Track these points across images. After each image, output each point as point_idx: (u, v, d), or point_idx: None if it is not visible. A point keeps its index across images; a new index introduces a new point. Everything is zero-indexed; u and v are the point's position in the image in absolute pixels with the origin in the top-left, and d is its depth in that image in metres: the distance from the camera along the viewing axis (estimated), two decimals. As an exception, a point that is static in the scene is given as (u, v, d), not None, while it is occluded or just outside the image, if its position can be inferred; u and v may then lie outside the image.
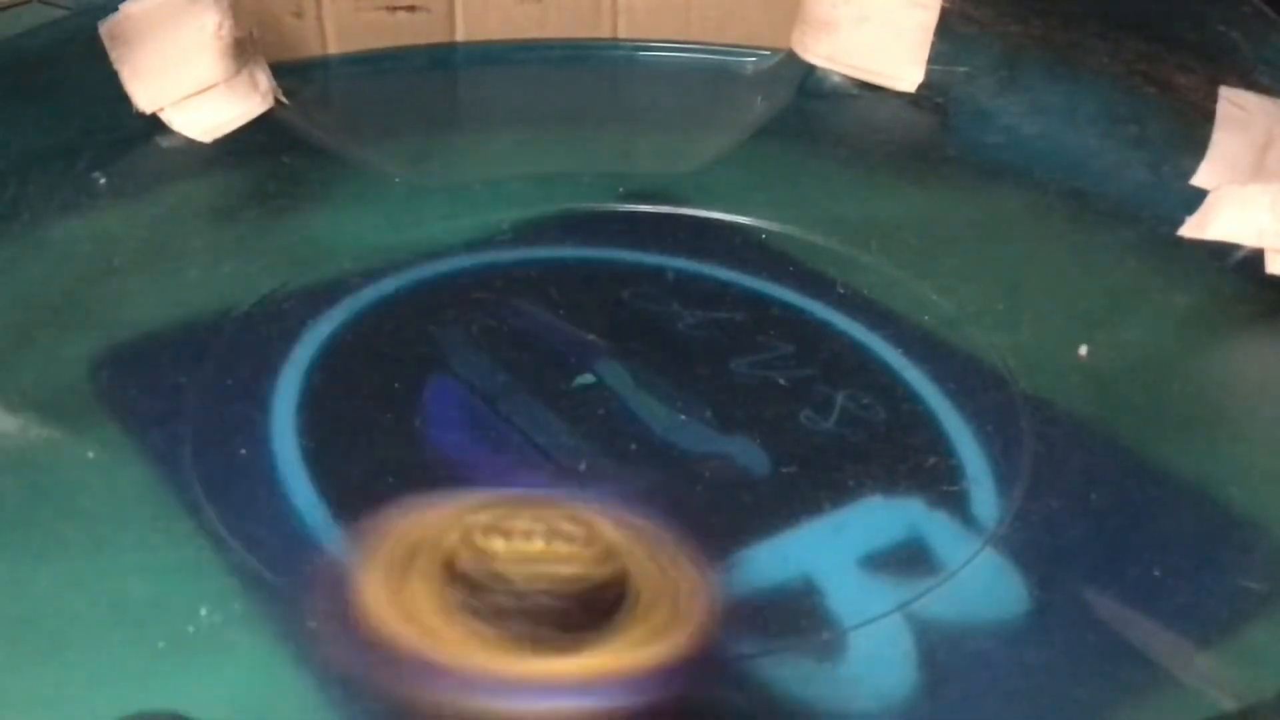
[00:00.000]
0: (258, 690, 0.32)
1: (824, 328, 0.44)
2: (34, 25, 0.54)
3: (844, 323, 0.44)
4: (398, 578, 0.28)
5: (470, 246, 0.47)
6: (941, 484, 0.38)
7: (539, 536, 0.28)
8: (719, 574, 0.30)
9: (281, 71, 0.55)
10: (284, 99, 0.54)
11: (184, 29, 0.52)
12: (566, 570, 0.27)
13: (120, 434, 0.39)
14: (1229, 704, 0.32)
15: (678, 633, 0.28)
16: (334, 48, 0.59)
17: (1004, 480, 0.38)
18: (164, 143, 0.52)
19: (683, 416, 0.40)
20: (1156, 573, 0.36)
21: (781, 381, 0.42)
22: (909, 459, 0.39)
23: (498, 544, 0.28)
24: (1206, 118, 0.49)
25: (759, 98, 0.58)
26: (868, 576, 0.35)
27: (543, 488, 0.31)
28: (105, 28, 0.50)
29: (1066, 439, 0.40)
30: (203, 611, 0.34)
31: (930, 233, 0.49)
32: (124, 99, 0.51)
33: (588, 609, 0.27)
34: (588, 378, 0.41)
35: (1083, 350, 0.40)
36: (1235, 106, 0.49)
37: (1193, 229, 0.46)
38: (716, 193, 0.50)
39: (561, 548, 0.28)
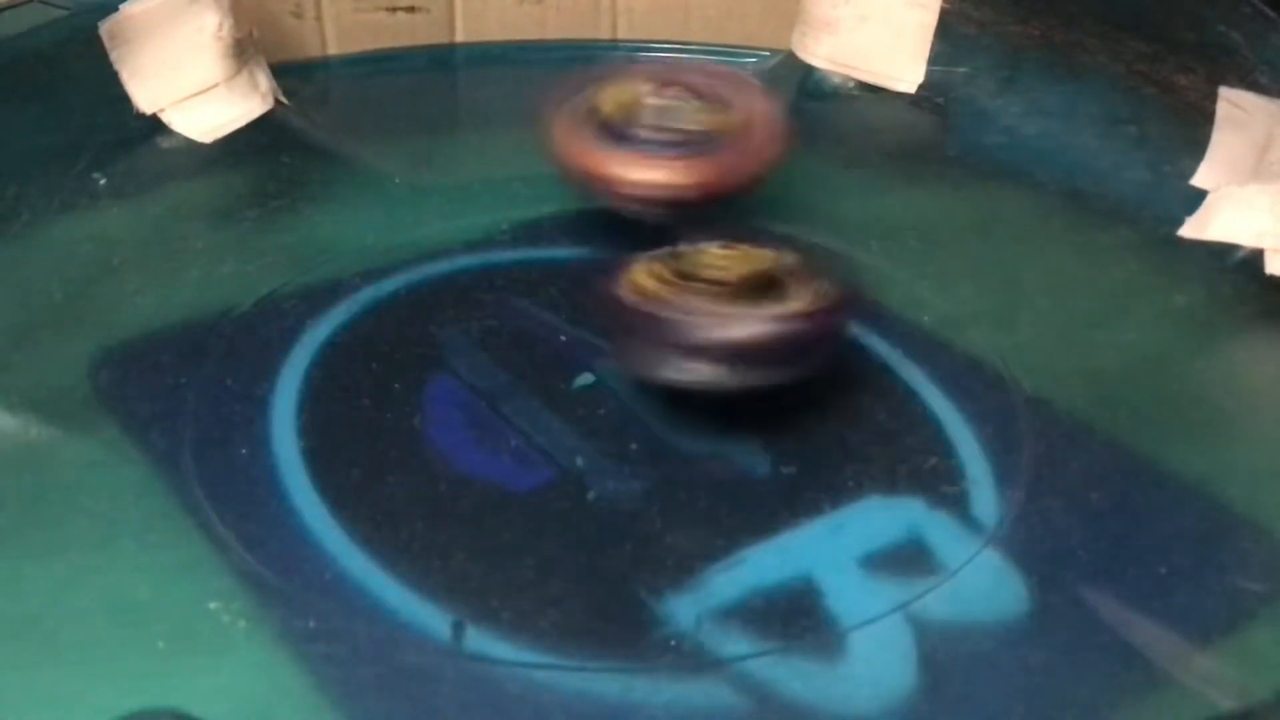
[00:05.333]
0: (258, 690, 0.32)
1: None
2: (34, 25, 0.54)
3: (844, 323, 0.44)
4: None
5: (470, 246, 0.47)
6: (941, 484, 0.38)
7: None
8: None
9: (281, 72, 0.55)
10: (284, 99, 0.54)
11: (184, 29, 0.52)
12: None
13: (120, 434, 0.39)
14: (1229, 704, 0.32)
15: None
16: (334, 48, 0.59)
17: (1004, 480, 0.38)
18: (164, 143, 0.52)
19: (683, 416, 0.40)
20: (1157, 573, 0.36)
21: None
22: (909, 459, 0.39)
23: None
24: (1206, 118, 0.49)
25: (759, 98, 0.58)
26: (868, 576, 0.35)
27: None
28: (105, 28, 0.50)
29: (1066, 439, 0.40)
30: (203, 611, 0.34)
31: (930, 233, 0.49)
32: (124, 99, 0.51)
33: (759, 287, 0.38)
34: (588, 378, 0.41)
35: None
36: (1235, 107, 0.49)
37: (1192, 229, 0.46)
38: (716, 193, 0.50)
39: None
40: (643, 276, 0.39)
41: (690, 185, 0.44)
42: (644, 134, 0.44)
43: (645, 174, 0.44)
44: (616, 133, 0.44)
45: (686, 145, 0.44)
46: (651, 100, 0.44)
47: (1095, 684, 0.33)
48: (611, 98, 0.45)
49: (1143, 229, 0.48)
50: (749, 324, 0.37)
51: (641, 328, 0.38)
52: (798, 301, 0.38)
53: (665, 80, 0.45)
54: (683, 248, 0.39)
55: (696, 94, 0.45)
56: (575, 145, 0.45)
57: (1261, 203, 0.45)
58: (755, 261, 0.39)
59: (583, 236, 0.48)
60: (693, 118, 0.44)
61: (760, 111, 0.46)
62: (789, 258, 0.39)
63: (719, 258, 0.39)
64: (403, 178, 0.52)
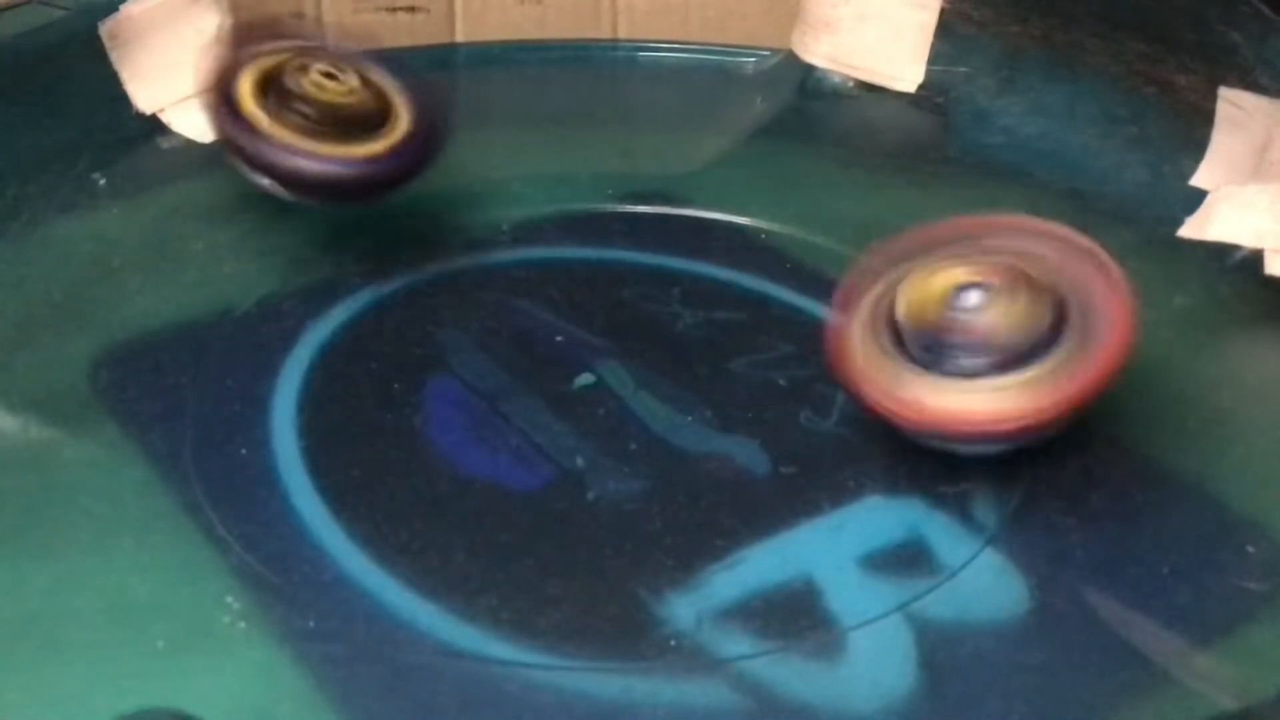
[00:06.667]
0: (258, 690, 0.32)
1: (824, 328, 0.44)
2: (34, 25, 0.54)
3: (844, 323, 0.44)
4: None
5: (470, 246, 0.47)
6: (941, 484, 0.38)
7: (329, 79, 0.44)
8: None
9: (281, 72, 0.55)
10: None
11: (184, 29, 0.52)
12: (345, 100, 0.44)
13: (120, 434, 0.39)
14: (1229, 704, 0.32)
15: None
16: (334, 48, 0.59)
17: (1004, 480, 0.38)
18: (164, 143, 0.52)
19: (683, 416, 0.40)
20: (1157, 573, 0.36)
21: (781, 381, 0.42)
22: (909, 459, 0.39)
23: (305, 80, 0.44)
24: (1206, 118, 0.49)
25: (759, 98, 0.58)
26: (868, 576, 0.35)
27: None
28: (105, 28, 0.51)
29: (1066, 439, 0.40)
30: (202, 611, 0.34)
31: (930, 233, 0.49)
32: (124, 99, 0.51)
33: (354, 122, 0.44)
34: (588, 378, 0.41)
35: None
36: (1234, 107, 0.49)
37: (1192, 230, 0.46)
38: (716, 193, 0.50)
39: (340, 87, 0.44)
40: (249, 88, 0.44)
41: (1027, 418, 0.34)
42: (950, 345, 0.35)
43: (959, 406, 0.34)
44: (918, 343, 0.35)
45: (1009, 359, 0.34)
46: (961, 293, 0.35)
47: (1095, 684, 0.33)
48: (912, 290, 0.36)
49: (1143, 229, 0.48)
50: (319, 163, 0.43)
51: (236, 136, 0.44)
52: (382, 140, 0.44)
53: (979, 262, 0.35)
54: (294, 64, 0.44)
55: (1014, 275, 0.35)
56: (868, 367, 0.36)
57: (1261, 203, 0.45)
58: (348, 96, 0.44)
59: (583, 236, 0.48)
60: (1011, 315, 0.34)
61: (1103, 293, 0.35)
62: (386, 88, 0.45)
63: (320, 86, 0.44)
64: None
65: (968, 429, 0.34)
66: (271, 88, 0.44)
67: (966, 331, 0.34)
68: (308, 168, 0.44)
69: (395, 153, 0.44)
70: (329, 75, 0.44)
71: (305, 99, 0.44)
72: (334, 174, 0.44)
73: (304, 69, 0.44)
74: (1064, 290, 0.35)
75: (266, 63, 0.45)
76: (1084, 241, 0.36)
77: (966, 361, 0.34)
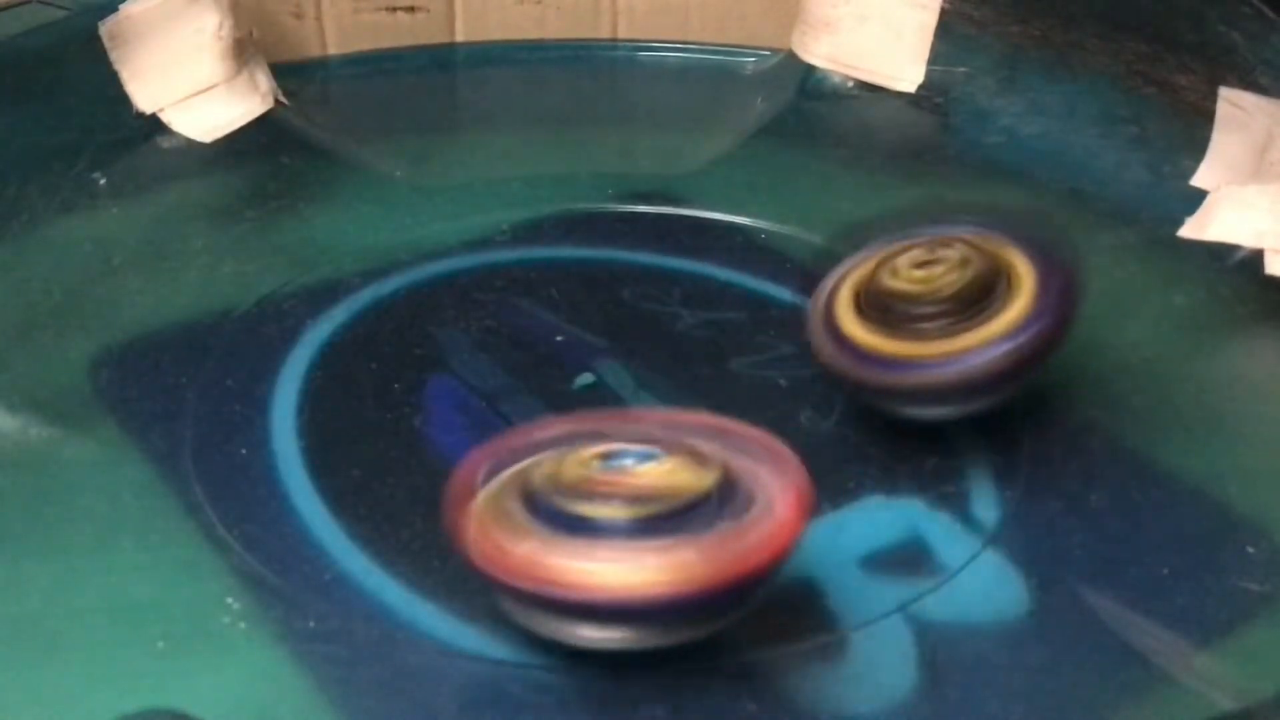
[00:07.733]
0: (258, 690, 0.32)
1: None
2: (34, 25, 0.54)
3: (844, 323, 0.44)
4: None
5: (470, 246, 0.47)
6: (941, 484, 0.38)
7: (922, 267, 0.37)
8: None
9: (281, 72, 0.55)
10: (284, 99, 0.54)
11: (184, 29, 0.52)
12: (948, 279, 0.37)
13: (120, 434, 0.39)
14: (1229, 704, 0.32)
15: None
16: (334, 48, 0.59)
17: (1003, 481, 0.38)
18: (164, 143, 0.52)
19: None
20: (1157, 573, 0.36)
21: (781, 381, 0.42)
22: (909, 459, 0.39)
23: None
24: (1206, 118, 0.49)
25: (759, 98, 0.58)
26: (868, 577, 0.35)
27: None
28: (105, 28, 0.51)
29: (1066, 439, 0.40)
30: (203, 611, 0.34)
31: (930, 233, 0.49)
32: (124, 99, 0.51)
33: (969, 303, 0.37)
34: (588, 378, 0.41)
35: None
36: (1235, 107, 0.49)
37: (1192, 230, 0.46)
38: (716, 193, 0.50)
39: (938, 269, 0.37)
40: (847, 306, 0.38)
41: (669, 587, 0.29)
42: (589, 502, 0.30)
43: (586, 568, 0.29)
44: (553, 505, 0.30)
45: (652, 526, 0.30)
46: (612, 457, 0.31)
47: (1095, 684, 0.33)
48: (557, 459, 0.31)
49: (1143, 229, 0.48)
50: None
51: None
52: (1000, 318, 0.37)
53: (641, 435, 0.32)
54: (880, 268, 0.38)
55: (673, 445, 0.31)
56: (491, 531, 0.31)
57: (1261, 203, 0.45)
58: (946, 278, 0.37)
59: (583, 236, 0.48)
60: (665, 478, 0.30)
61: (780, 487, 0.32)
62: (994, 247, 0.38)
63: (912, 278, 0.37)
64: (403, 177, 0.52)
65: (586, 596, 0.29)
66: (867, 300, 0.38)
67: (610, 487, 0.30)
68: (905, 380, 0.37)
69: (1018, 329, 0.37)
70: (922, 264, 0.37)
71: (900, 298, 0.37)
72: (938, 379, 0.37)
73: (893, 269, 0.38)
74: (736, 475, 0.31)
75: (857, 276, 0.39)
76: (777, 444, 0.33)
77: (604, 521, 0.29)
